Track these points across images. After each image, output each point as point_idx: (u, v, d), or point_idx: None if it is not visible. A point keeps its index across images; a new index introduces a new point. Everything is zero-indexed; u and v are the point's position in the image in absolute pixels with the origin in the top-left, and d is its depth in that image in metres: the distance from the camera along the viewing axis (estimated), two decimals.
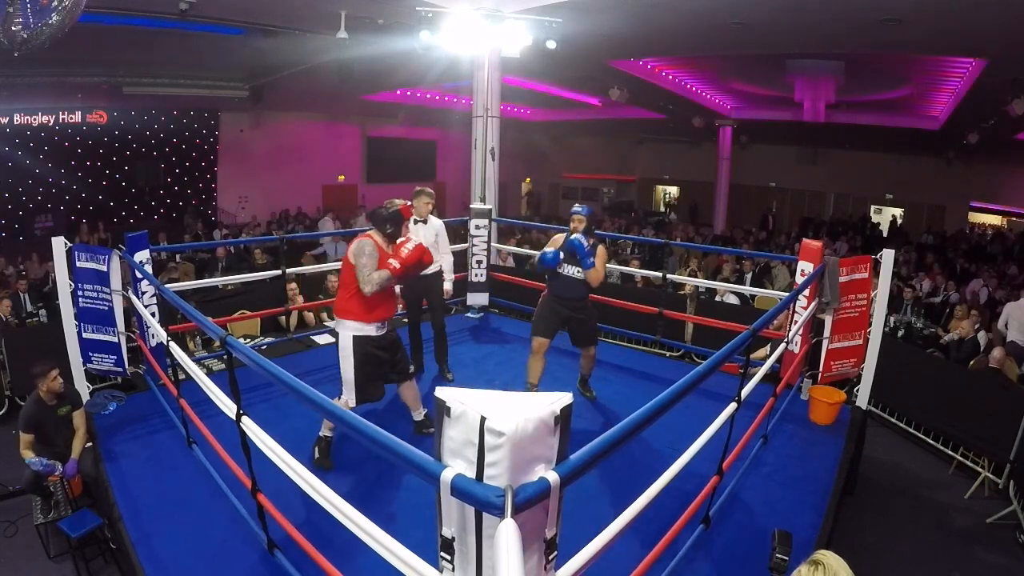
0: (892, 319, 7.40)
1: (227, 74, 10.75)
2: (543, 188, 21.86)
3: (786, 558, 2.03)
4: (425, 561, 1.61)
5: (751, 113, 14.21)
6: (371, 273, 3.20)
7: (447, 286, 4.66)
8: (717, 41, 7.94)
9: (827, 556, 1.62)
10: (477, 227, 6.15)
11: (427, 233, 4.41)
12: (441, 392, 1.45)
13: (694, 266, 9.24)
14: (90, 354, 4.19)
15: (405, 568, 1.62)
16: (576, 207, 4.05)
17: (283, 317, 5.74)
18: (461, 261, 5.72)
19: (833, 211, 17.76)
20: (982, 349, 6.34)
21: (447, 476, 1.33)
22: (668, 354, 6.20)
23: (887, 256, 4.18)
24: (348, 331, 3.30)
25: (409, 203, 3.74)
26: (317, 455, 3.40)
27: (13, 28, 3.52)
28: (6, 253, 9.44)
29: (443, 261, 4.58)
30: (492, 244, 6.35)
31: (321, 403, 1.83)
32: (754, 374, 3.19)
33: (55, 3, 3.58)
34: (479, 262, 6.18)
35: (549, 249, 3.93)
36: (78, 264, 4.10)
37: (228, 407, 2.41)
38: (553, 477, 1.33)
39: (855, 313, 4.34)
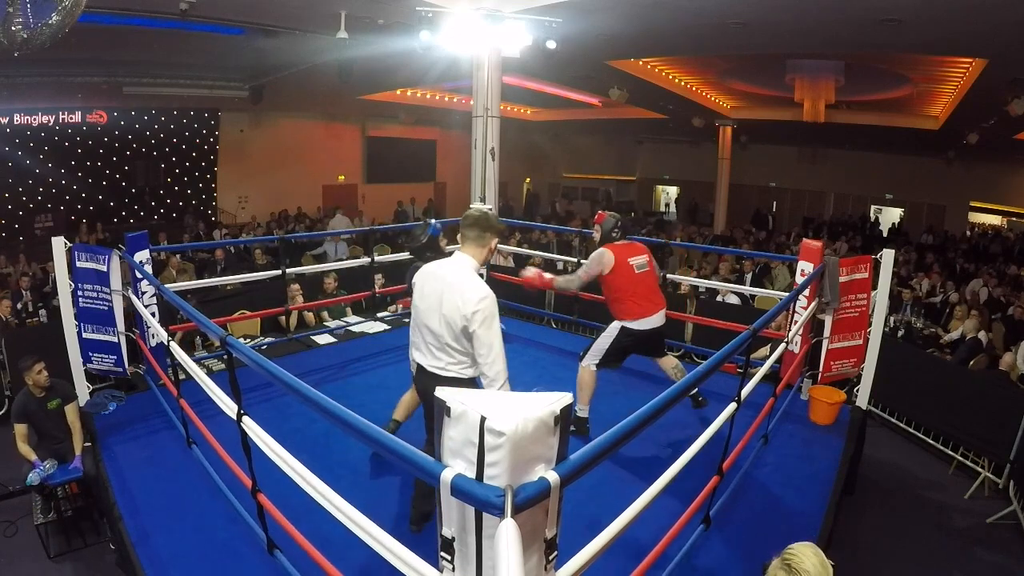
0: (892, 319, 7.39)
1: (227, 74, 10.75)
2: (543, 188, 21.87)
3: None
4: (425, 561, 1.61)
5: (751, 113, 14.19)
6: None
7: None
8: (717, 41, 7.93)
9: (800, 559, 1.52)
10: None
11: None
12: (441, 392, 1.45)
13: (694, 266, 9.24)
14: (90, 354, 4.18)
15: (405, 568, 1.62)
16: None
17: (283, 317, 5.74)
18: None
19: (833, 211, 17.76)
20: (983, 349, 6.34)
21: (447, 476, 1.33)
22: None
23: (887, 256, 4.18)
24: None
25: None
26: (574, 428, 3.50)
27: (13, 28, 3.52)
28: (6, 253, 9.44)
29: None
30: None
31: (321, 403, 1.83)
32: (754, 374, 3.19)
33: (55, 3, 3.57)
34: None
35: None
36: (78, 264, 4.09)
37: (229, 407, 2.41)
38: (553, 477, 1.33)
39: (855, 313, 4.34)
